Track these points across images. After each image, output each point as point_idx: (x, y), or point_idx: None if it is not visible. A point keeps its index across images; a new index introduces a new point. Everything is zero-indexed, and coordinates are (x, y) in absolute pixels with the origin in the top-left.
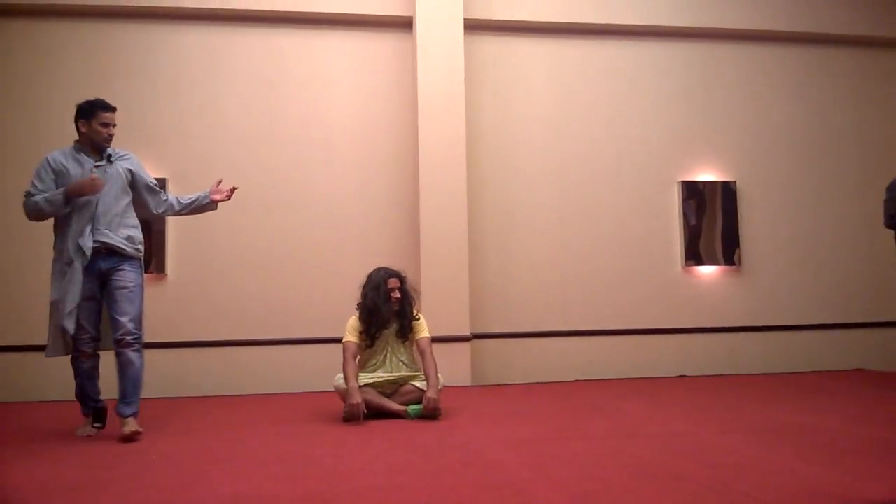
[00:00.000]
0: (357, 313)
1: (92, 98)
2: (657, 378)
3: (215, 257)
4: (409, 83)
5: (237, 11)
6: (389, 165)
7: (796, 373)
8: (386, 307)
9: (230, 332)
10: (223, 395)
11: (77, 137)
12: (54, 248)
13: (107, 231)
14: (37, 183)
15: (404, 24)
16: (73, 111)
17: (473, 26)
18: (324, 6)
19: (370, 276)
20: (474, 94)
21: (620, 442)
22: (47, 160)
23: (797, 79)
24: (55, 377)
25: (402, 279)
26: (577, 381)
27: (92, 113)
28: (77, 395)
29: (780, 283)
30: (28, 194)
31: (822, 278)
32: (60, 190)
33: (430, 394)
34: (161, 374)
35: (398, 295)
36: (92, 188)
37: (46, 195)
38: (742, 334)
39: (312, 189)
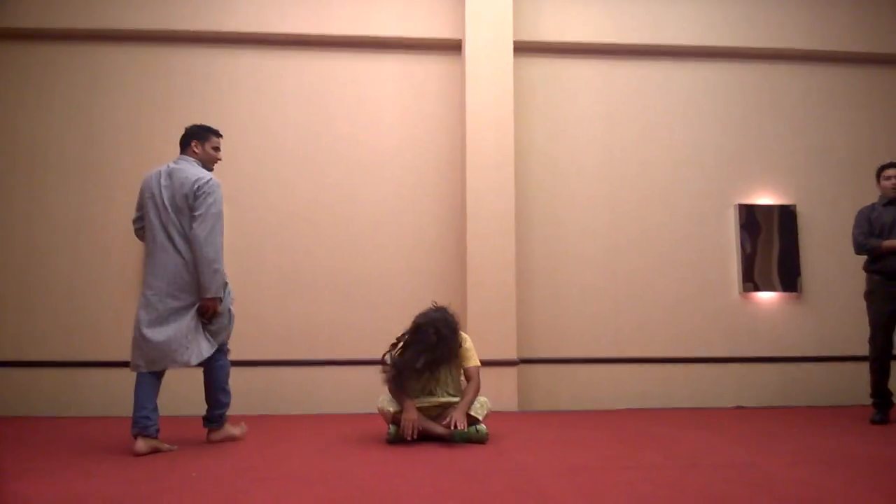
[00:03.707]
0: (398, 346)
1: (201, 124)
2: (712, 409)
3: (261, 276)
4: (458, 106)
5: (289, 36)
6: (437, 188)
7: (862, 405)
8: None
9: (275, 352)
10: (267, 415)
11: (177, 158)
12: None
13: None
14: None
15: (453, 47)
16: (128, 131)
17: (523, 48)
18: (373, 30)
19: (418, 329)
20: (523, 116)
21: (680, 472)
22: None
23: (858, 100)
24: (100, 393)
25: (445, 337)
26: (627, 409)
27: (206, 137)
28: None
29: (843, 310)
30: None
31: None
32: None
33: (456, 413)
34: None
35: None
36: None
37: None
38: (803, 364)
39: (359, 210)
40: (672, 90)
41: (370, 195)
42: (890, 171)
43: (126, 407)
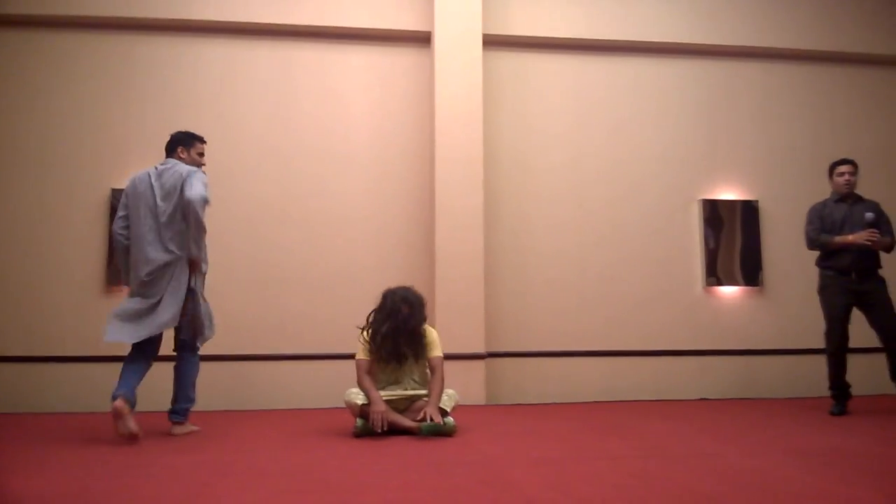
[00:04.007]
0: (365, 332)
1: (186, 130)
2: (677, 401)
3: (228, 269)
4: (427, 99)
5: (256, 25)
6: (405, 181)
7: (821, 397)
8: (396, 338)
9: (240, 347)
10: (231, 410)
11: (164, 160)
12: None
13: None
14: None
15: (422, 40)
16: (89, 121)
17: (492, 42)
18: (341, 21)
19: (384, 298)
20: (492, 111)
21: (646, 462)
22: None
23: (822, 98)
24: (59, 389)
25: (412, 304)
26: (594, 402)
27: (191, 143)
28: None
29: (803, 304)
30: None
31: None
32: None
33: (429, 409)
34: (169, 388)
35: (407, 321)
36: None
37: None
38: (765, 357)
39: (327, 203)
40: (639, 86)
41: (338, 188)
42: (843, 168)
43: (84, 402)
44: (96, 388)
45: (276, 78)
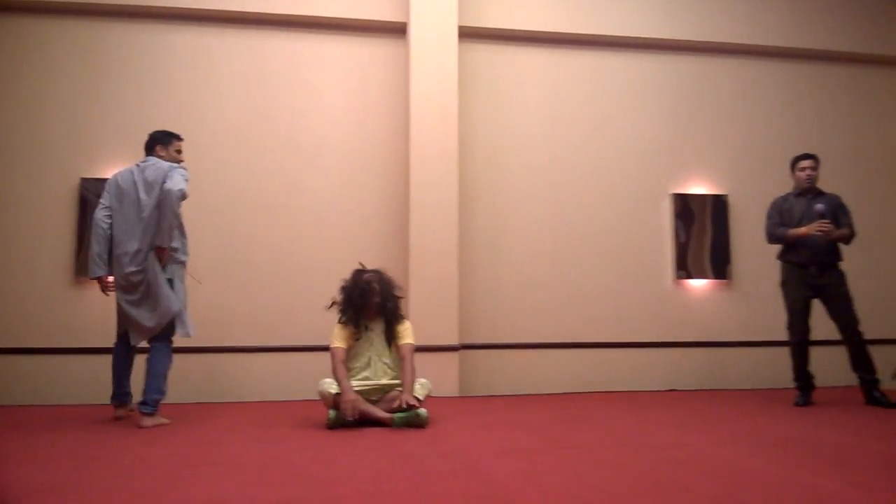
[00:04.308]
0: (336, 302)
1: (164, 129)
2: (647, 392)
3: (199, 261)
4: (402, 91)
5: (227, 13)
6: (380, 172)
7: (787, 388)
8: (364, 298)
9: (212, 339)
10: (203, 403)
11: (145, 158)
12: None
13: None
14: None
15: (398, 31)
16: (56, 109)
17: (468, 34)
18: (315, 9)
19: (350, 278)
20: (468, 102)
21: (614, 452)
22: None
23: (791, 94)
24: (27, 382)
25: (380, 274)
26: (565, 393)
27: (169, 142)
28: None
29: (770, 297)
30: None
31: None
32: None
33: (404, 396)
34: (140, 381)
35: (376, 286)
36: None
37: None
38: (733, 349)
39: (300, 195)
40: (613, 81)
41: (312, 180)
42: (804, 163)
43: (52, 395)
44: (64, 380)
45: (249, 68)
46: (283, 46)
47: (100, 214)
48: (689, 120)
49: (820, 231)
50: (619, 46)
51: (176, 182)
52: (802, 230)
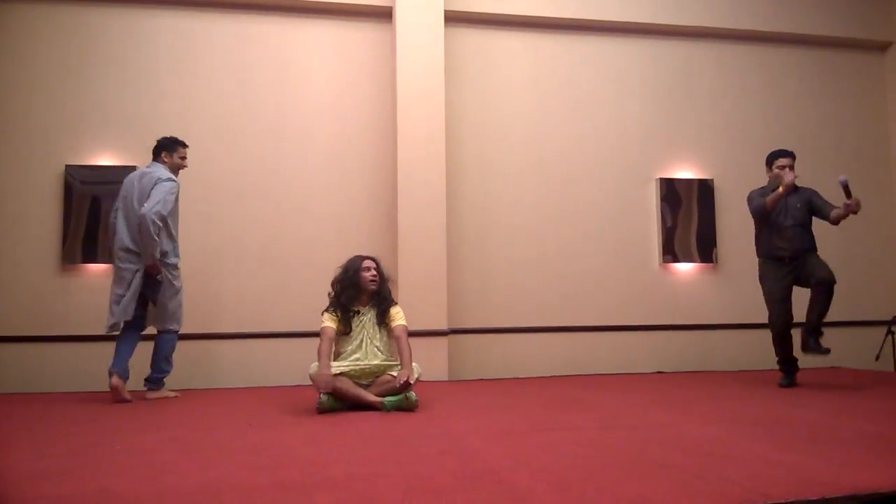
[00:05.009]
0: (331, 291)
1: (171, 136)
2: (634, 374)
3: (187, 249)
4: (388, 75)
5: None
6: (367, 157)
7: (771, 370)
8: (360, 285)
9: (202, 325)
10: (195, 389)
11: (150, 163)
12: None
13: None
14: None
15: (384, 15)
16: (39, 95)
17: (454, 18)
18: None
19: (346, 262)
20: (454, 87)
21: (601, 433)
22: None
23: (775, 78)
24: (14, 370)
25: (377, 262)
26: (554, 376)
27: (174, 149)
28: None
29: (755, 280)
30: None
31: None
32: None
33: (403, 372)
34: (132, 367)
35: (374, 274)
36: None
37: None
38: (719, 331)
39: (288, 180)
40: (599, 65)
41: (298, 164)
42: (783, 161)
43: (39, 384)
44: (50, 367)
45: (235, 52)
46: (269, 31)
47: (112, 213)
48: (675, 104)
49: (849, 212)
50: (604, 31)
51: (153, 202)
52: (781, 190)
